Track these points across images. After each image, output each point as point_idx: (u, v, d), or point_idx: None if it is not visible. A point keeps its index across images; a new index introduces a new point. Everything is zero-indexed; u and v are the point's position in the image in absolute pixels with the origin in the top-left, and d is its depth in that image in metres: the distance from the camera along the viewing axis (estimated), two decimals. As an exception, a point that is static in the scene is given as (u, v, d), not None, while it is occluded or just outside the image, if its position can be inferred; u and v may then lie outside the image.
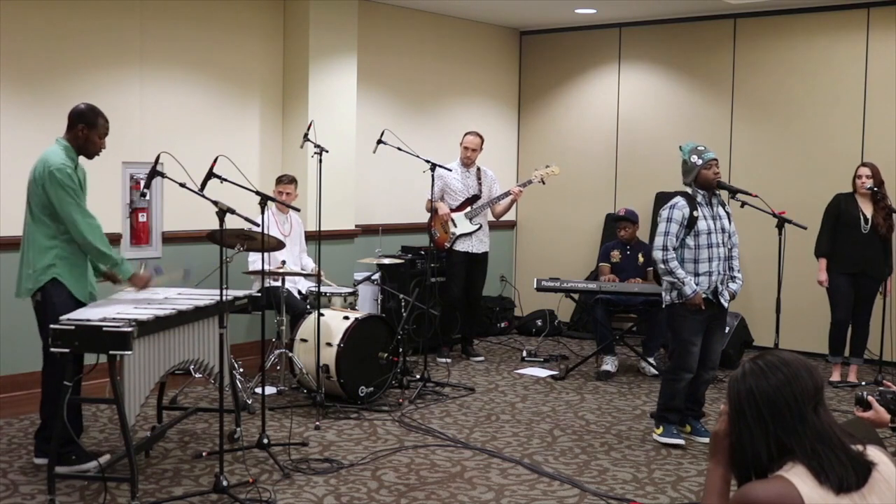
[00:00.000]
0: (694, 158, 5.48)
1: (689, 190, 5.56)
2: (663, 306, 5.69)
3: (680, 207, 5.48)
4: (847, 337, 7.12)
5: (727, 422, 2.20)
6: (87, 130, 4.80)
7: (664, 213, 5.53)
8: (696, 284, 5.47)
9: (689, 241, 5.49)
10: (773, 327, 5.82)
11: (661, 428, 5.59)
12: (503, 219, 8.43)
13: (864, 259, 6.92)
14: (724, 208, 5.65)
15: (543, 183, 7.84)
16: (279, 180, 6.95)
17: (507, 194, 7.75)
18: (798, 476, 2.04)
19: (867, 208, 6.92)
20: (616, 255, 7.67)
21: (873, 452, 2.14)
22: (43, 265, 4.73)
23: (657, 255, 5.50)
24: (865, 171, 6.92)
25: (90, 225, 4.71)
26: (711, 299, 5.53)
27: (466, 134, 7.79)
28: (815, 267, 7.13)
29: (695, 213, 5.46)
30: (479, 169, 7.85)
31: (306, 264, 7.08)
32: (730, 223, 5.66)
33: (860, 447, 2.14)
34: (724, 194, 5.70)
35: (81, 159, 4.91)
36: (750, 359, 2.22)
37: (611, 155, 9.23)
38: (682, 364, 5.56)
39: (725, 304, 5.61)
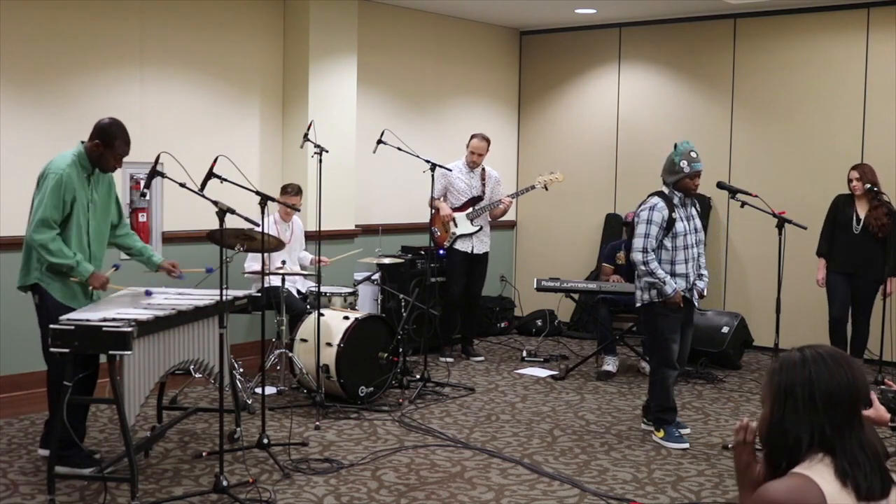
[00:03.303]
0: (683, 164, 5.48)
1: (665, 190, 5.59)
2: (637, 305, 5.75)
3: (660, 209, 5.50)
4: (846, 336, 7.14)
5: (768, 413, 2.14)
6: (102, 148, 4.76)
7: (643, 213, 5.55)
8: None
9: (667, 242, 5.53)
10: (773, 327, 5.82)
11: (663, 431, 5.60)
12: (504, 218, 8.44)
13: (858, 259, 6.94)
14: (695, 208, 5.72)
15: (546, 189, 7.86)
16: (284, 190, 6.83)
17: (500, 202, 7.78)
18: (819, 473, 2.01)
19: (862, 209, 6.95)
20: (622, 256, 7.67)
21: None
22: (29, 266, 4.75)
23: (637, 256, 5.52)
24: (854, 174, 6.95)
25: (45, 231, 4.62)
26: (688, 297, 5.61)
27: (473, 137, 7.73)
28: (814, 266, 7.20)
29: (673, 215, 5.50)
30: (483, 169, 7.85)
31: (303, 256, 7.09)
32: (699, 220, 5.76)
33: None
34: (722, 194, 5.72)
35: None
36: (807, 347, 2.15)
37: (611, 155, 9.23)
38: (666, 361, 5.62)
39: (696, 303, 5.72)
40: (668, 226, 5.49)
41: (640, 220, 5.55)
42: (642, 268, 5.51)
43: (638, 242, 5.52)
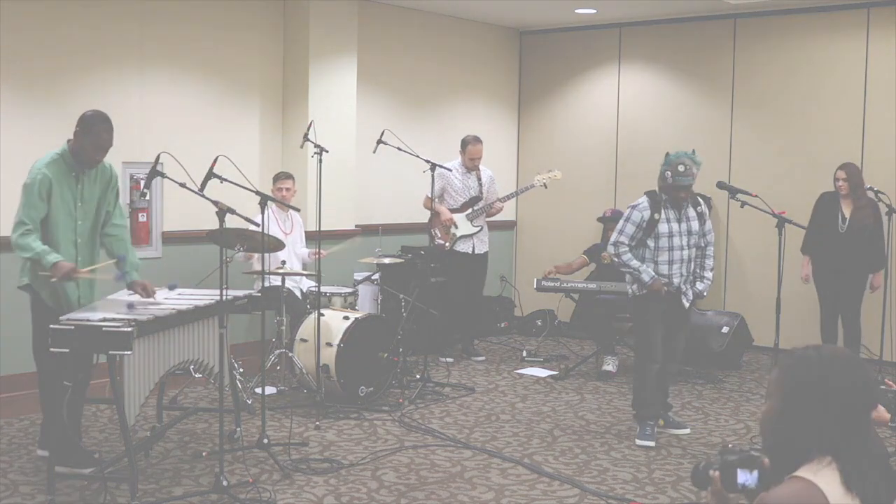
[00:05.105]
0: (667, 174, 5.49)
1: (656, 189, 5.65)
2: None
3: (641, 210, 5.58)
4: (837, 334, 7.15)
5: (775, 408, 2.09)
6: (81, 136, 4.67)
7: (626, 211, 5.67)
8: None
9: (649, 242, 5.60)
10: (773, 327, 5.82)
11: (637, 428, 5.62)
12: (503, 219, 8.45)
13: (843, 258, 6.95)
14: (696, 209, 5.67)
15: (546, 187, 7.88)
16: (277, 177, 6.97)
17: (496, 202, 7.81)
18: (824, 478, 1.98)
19: (847, 208, 6.96)
20: (606, 256, 7.68)
21: None
22: (25, 267, 4.72)
23: (610, 249, 5.68)
24: (841, 174, 6.96)
25: (16, 229, 4.61)
26: (672, 292, 5.61)
27: (469, 143, 7.71)
28: (814, 267, 7.21)
29: (655, 216, 5.55)
30: (477, 168, 7.84)
31: (302, 253, 7.10)
32: (703, 223, 5.70)
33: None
34: (722, 194, 5.73)
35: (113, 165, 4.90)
36: (822, 346, 2.10)
37: (611, 155, 9.23)
38: (648, 354, 5.64)
39: (686, 304, 5.69)
40: (650, 226, 5.54)
41: (623, 216, 5.69)
42: (615, 260, 5.66)
43: (612, 237, 5.68)
